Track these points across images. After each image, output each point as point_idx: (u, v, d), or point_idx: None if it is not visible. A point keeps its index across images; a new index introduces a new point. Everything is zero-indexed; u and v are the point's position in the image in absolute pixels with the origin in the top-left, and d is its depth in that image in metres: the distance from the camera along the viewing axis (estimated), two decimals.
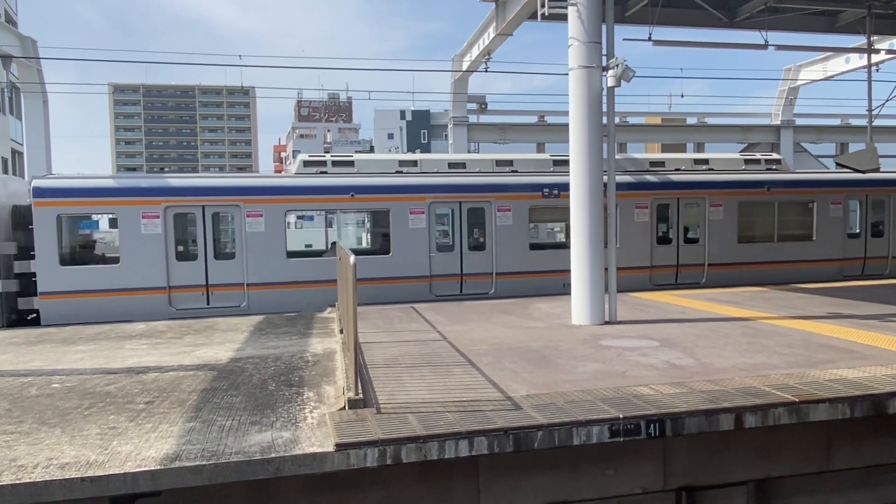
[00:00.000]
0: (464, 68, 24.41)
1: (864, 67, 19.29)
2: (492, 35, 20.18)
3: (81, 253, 14.79)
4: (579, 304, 11.16)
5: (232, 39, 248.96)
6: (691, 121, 35.11)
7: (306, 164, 16.03)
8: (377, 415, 6.25)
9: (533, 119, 32.17)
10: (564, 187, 12.86)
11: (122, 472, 5.11)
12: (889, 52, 21.31)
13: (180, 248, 14.29)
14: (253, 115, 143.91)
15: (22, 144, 26.18)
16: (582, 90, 10.92)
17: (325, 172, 15.68)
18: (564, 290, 12.40)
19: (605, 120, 11.21)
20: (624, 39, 14.84)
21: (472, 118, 28.70)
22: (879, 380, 7.16)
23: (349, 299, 6.72)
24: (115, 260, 14.17)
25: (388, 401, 6.71)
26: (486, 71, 22.33)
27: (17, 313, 14.01)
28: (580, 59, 10.88)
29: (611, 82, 10.94)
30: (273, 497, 6.02)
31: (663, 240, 17.06)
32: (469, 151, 27.56)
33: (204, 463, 5.24)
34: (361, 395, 6.58)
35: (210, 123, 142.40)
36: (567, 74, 11.13)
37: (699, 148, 33.46)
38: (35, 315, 13.95)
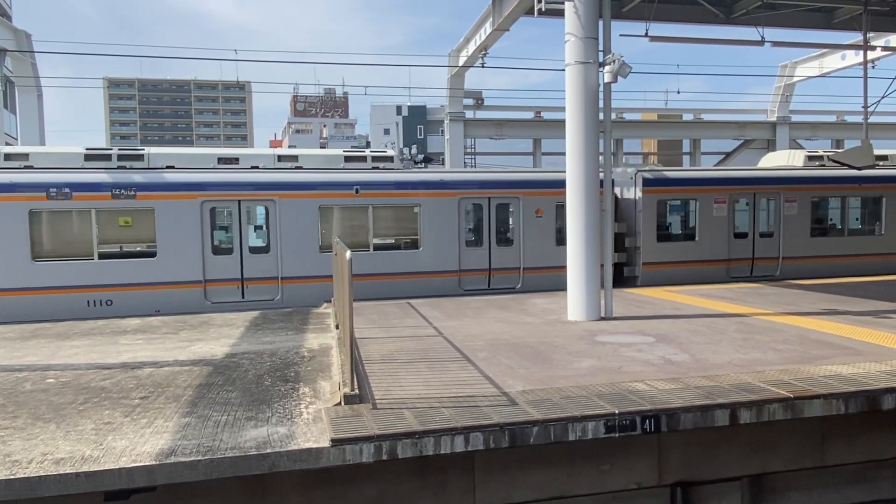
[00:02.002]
0: (460, 64, 24.39)
1: (860, 64, 19.35)
2: (488, 30, 20.16)
3: None
4: (575, 299, 11.17)
5: (228, 33, 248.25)
6: (687, 117, 35.15)
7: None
8: (373, 410, 6.25)
9: (529, 115, 32.19)
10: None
11: (117, 467, 5.10)
12: (885, 48, 21.34)
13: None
14: (249, 109, 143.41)
15: (16, 139, 26.02)
16: (578, 86, 10.92)
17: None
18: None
19: (601, 116, 11.21)
20: (620, 35, 14.80)
21: (469, 114, 28.69)
22: (874, 376, 7.19)
23: (345, 295, 6.71)
24: None
25: (384, 396, 6.71)
26: (483, 66, 22.33)
27: None
28: (577, 54, 10.87)
29: (607, 78, 10.94)
30: (268, 492, 6.02)
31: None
32: (465, 147, 27.57)
33: (199, 458, 5.23)
34: (357, 391, 6.59)
35: (206, 118, 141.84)
36: (564, 70, 11.12)
37: (696, 144, 33.50)
38: None
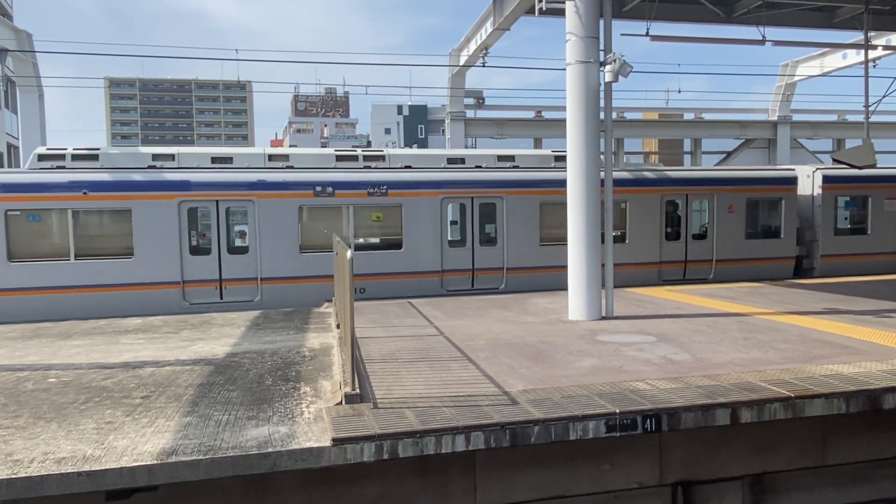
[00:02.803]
0: (461, 63, 24.38)
1: (861, 63, 19.32)
2: (489, 30, 20.16)
3: None
4: (576, 299, 11.17)
5: (229, 33, 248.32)
6: (688, 116, 35.11)
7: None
8: (374, 410, 6.25)
9: (530, 114, 32.19)
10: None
11: (119, 466, 5.10)
12: (886, 47, 21.31)
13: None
14: (249, 109, 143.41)
15: (17, 138, 26.05)
16: (579, 85, 10.91)
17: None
18: None
19: (602, 115, 11.20)
20: (621, 35, 14.79)
21: (470, 113, 28.68)
22: (875, 375, 7.19)
23: (346, 294, 6.71)
24: None
25: (385, 396, 6.72)
26: (484, 66, 22.32)
27: None
28: (578, 54, 10.87)
29: (608, 77, 10.93)
30: (269, 491, 6.03)
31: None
32: (466, 146, 27.56)
33: (200, 457, 5.24)
34: (358, 390, 6.59)
35: (207, 118, 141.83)
36: (564, 70, 11.12)
37: (696, 144, 33.49)
38: None
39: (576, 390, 6.78)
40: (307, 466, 5.46)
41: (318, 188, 14.78)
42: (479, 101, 28.61)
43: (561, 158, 17.52)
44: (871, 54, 19.56)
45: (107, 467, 5.09)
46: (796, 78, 30.42)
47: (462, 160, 17.16)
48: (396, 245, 15.20)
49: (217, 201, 14.34)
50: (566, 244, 11.30)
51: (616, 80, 10.85)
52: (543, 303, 12.98)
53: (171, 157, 15.75)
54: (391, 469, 6.22)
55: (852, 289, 14.16)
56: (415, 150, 19.39)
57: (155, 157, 15.66)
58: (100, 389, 7.35)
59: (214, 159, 15.78)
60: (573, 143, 11.09)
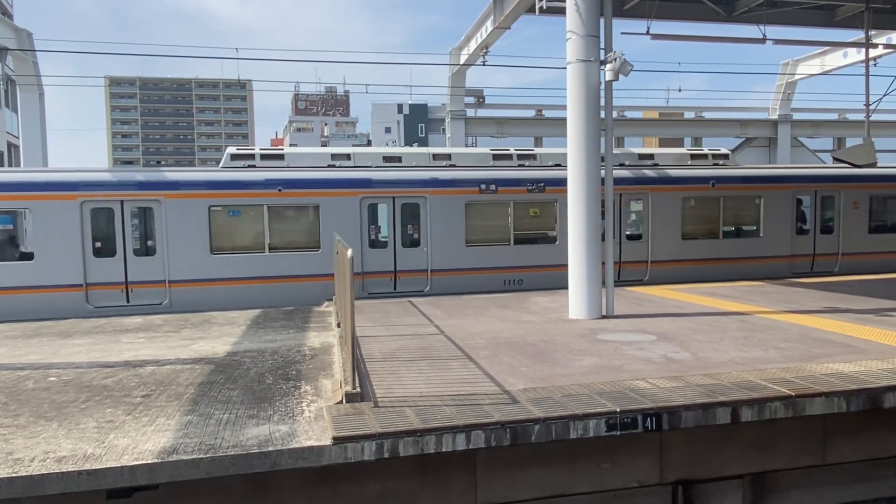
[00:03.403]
0: (461, 62, 24.37)
1: (861, 62, 19.32)
2: (490, 28, 20.16)
3: None
4: (576, 298, 11.17)
5: (229, 32, 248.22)
6: (689, 115, 35.11)
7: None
8: (374, 408, 6.25)
9: (531, 113, 32.21)
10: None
11: (119, 465, 5.10)
12: (887, 46, 21.31)
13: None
14: (250, 108, 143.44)
15: (18, 137, 26.05)
16: (580, 84, 10.90)
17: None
18: None
19: (602, 114, 11.20)
20: (622, 33, 14.82)
21: (470, 112, 28.66)
22: (875, 374, 7.18)
23: (346, 293, 6.71)
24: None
25: (386, 395, 6.72)
26: (484, 65, 22.32)
27: None
28: (578, 52, 10.86)
29: (609, 76, 10.92)
30: (270, 490, 6.03)
31: None
32: (466, 145, 27.55)
33: (201, 456, 5.24)
34: (359, 389, 6.59)
35: (207, 117, 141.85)
36: (565, 68, 11.11)
37: (697, 143, 33.49)
38: None
39: (576, 389, 6.78)
40: (308, 465, 5.46)
41: (483, 185, 15.72)
42: (480, 100, 28.59)
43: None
44: (872, 53, 19.56)
45: (107, 466, 5.09)
46: (797, 76, 30.41)
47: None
48: (552, 240, 16.12)
49: (394, 198, 15.24)
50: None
51: (616, 78, 10.84)
52: (544, 301, 12.98)
53: (348, 156, 16.52)
54: (392, 468, 6.22)
55: (853, 288, 14.15)
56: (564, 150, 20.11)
57: (333, 156, 16.45)
58: (100, 388, 7.35)
59: (386, 158, 16.48)
60: (574, 142, 11.08)
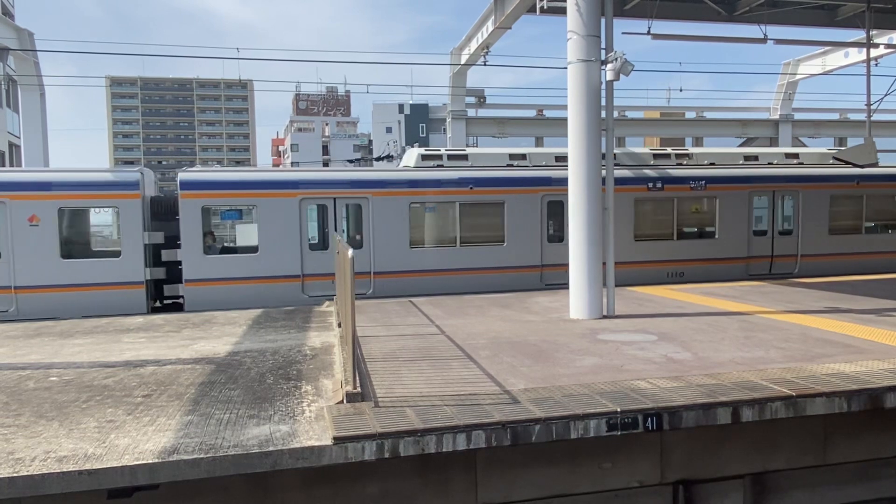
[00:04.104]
0: (462, 62, 24.37)
1: (862, 62, 19.26)
2: (490, 28, 20.16)
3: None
4: (577, 298, 11.16)
5: (230, 32, 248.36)
6: (690, 115, 35.10)
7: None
8: (375, 408, 6.25)
9: (531, 113, 32.18)
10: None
11: (120, 465, 5.11)
12: (888, 46, 21.30)
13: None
14: (251, 108, 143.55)
15: (19, 137, 26.06)
16: (581, 84, 10.90)
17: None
18: None
19: (603, 114, 11.19)
20: (623, 33, 14.82)
21: (471, 112, 28.65)
22: (876, 374, 7.18)
23: (347, 293, 6.71)
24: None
25: (386, 394, 6.72)
26: (485, 64, 22.33)
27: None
28: (579, 52, 10.85)
29: (609, 76, 10.91)
30: (271, 490, 6.03)
31: None
32: (467, 146, 27.54)
33: (202, 456, 5.24)
34: (359, 389, 6.59)
35: (208, 117, 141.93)
36: (566, 68, 11.11)
37: (698, 142, 33.48)
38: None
39: (577, 389, 6.78)
40: (308, 465, 5.46)
41: (650, 183, 16.55)
42: (481, 100, 28.58)
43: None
44: (873, 53, 19.54)
45: (108, 466, 5.09)
46: (798, 76, 30.38)
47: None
48: (711, 234, 17.00)
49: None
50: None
51: (617, 78, 10.83)
52: (545, 301, 12.98)
53: (523, 156, 17.08)
54: (392, 468, 6.22)
55: (853, 288, 14.14)
56: (720, 150, 20.67)
57: (511, 156, 16.95)
58: (101, 388, 7.35)
59: (558, 158, 16.81)
60: (574, 142, 11.08)
